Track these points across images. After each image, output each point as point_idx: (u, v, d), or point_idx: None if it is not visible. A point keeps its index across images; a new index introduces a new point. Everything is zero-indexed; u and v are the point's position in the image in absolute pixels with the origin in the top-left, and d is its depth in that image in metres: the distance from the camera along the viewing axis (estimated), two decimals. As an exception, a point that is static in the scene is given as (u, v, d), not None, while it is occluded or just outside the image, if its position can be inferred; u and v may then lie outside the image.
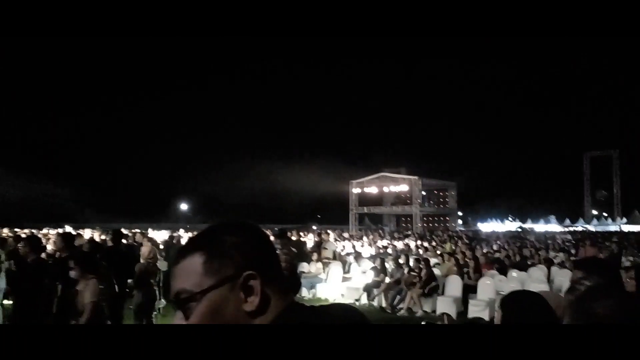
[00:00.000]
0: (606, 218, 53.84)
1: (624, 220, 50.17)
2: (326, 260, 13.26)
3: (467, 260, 11.50)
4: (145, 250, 9.63)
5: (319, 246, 14.48)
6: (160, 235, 19.43)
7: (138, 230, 18.65)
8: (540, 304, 1.95)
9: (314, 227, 31.81)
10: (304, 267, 12.45)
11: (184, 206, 62.88)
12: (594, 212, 56.97)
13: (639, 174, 55.12)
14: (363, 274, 11.98)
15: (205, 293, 0.88)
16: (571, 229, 44.05)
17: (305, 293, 11.56)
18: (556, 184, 66.72)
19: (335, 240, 19.17)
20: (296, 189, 55.61)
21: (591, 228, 45.61)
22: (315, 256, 12.99)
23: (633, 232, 32.90)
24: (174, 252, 9.23)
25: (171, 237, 15.72)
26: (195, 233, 1.36)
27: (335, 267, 12.38)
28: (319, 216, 57.75)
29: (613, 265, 2.81)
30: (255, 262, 0.91)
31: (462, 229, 46.80)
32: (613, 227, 45.99)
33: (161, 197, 62.79)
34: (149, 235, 15.55)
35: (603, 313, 1.44)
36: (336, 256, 14.36)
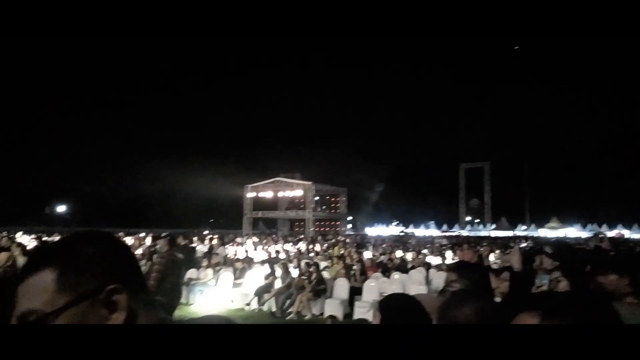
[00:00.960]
0: (478, 224, 59.40)
1: (493, 226, 55.79)
2: (217, 267, 12.93)
3: (355, 263, 11.92)
4: (2, 256, 8.56)
5: (209, 252, 14.07)
6: (29, 240, 17.47)
7: (5, 234, 16.59)
8: (414, 306, 2.05)
9: (205, 232, 30.88)
10: (193, 273, 12.02)
11: (60, 208, 57.43)
12: (468, 218, 62.49)
13: (506, 184, 61.68)
14: (254, 279, 11.87)
15: (60, 312, 0.78)
16: (448, 233, 47.79)
17: (193, 300, 11.16)
18: (436, 192, 72.05)
19: (227, 245, 18.78)
20: (188, 191, 53.74)
21: (465, 233, 49.96)
22: (205, 262, 12.60)
23: (500, 237, 36.74)
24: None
25: (43, 243, 14.22)
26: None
27: (226, 273, 12.12)
28: (211, 220, 56.30)
29: (483, 269, 3.03)
30: (118, 274, 0.83)
31: (351, 233, 48.61)
32: (484, 232, 50.84)
33: (34, 197, 56.75)
34: (18, 240, 13.90)
35: (461, 318, 1.55)
36: (227, 262, 14.06)
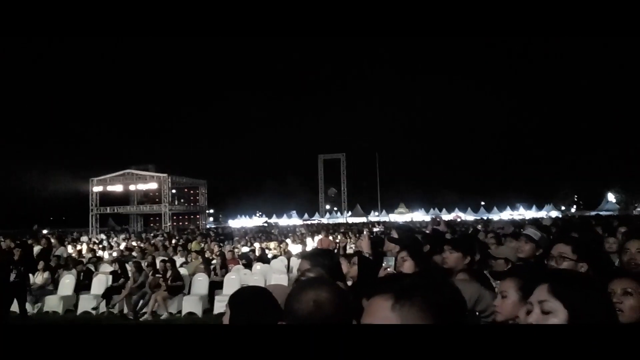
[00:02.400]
0: (336, 212, 62.45)
1: (349, 213, 59.12)
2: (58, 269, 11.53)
3: (215, 256, 11.57)
4: None
5: (45, 253, 12.47)
6: None
7: None
8: (265, 298, 1.99)
9: (45, 232, 27.52)
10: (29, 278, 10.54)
11: None
12: (327, 206, 65.32)
13: (360, 174, 65.73)
14: (102, 279, 10.86)
15: None
16: (309, 222, 49.37)
17: (30, 308, 9.78)
18: (297, 182, 73.95)
19: (70, 244, 16.92)
20: (21, 185, 47.35)
21: (325, 221, 52.11)
22: (41, 265, 11.14)
23: (355, 223, 39.08)
24: None
25: None
26: None
27: (68, 276, 10.88)
28: (51, 218, 50.42)
29: (334, 255, 3.03)
30: None
31: (213, 226, 47.51)
32: (341, 220, 53.56)
33: None
34: None
35: (301, 308, 1.48)
36: (69, 263, 12.62)
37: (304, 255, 3.02)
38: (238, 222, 54.88)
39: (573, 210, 55.64)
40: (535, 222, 12.69)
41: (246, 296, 2.02)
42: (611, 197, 54.19)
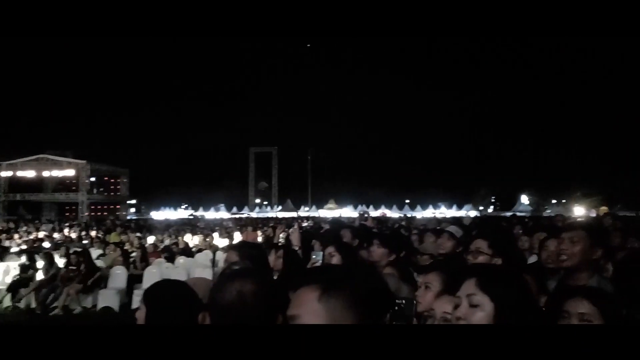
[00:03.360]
0: (266, 206, 62.13)
1: (280, 207, 59.04)
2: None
3: (135, 249, 11.08)
4: None
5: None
6: None
7: None
8: (184, 293, 1.90)
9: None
10: None
11: None
12: (257, 200, 64.82)
13: (291, 168, 65.84)
14: (7, 272, 10.05)
15: None
16: (237, 215, 48.73)
17: None
18: (227, 175, 72.70)
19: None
20: None
21: (254, 215, 51.68)
22: None
23: (285, 218, 39.12)
24: None
25: None
26: None
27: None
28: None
29: (261, 247, 2.99)
30: None
31: (135, 217, 45.53)
32: (271, 214, 53.37)
33: None
34: None
35: (225, 300, 1.45)
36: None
37: (231, 247, 2.96)
38: (162, 214, 52.99)
39: (490, 210, 59.23)
40: (456, 220, 13.32)
41: (162, 290, 1.91)
42: (525, 199, 58.40)
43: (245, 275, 1.55)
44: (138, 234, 15.88)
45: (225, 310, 1.43)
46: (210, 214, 52.35)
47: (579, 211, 37.95)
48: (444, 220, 14.95)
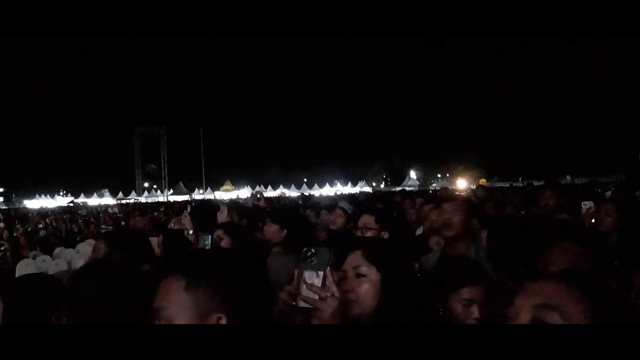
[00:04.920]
0: (156, 190, 59.20)
1: (171, 191, 56.66)
2: None
3: (4, 242, 9.92)
4: None
5: None
6: None
7: None
8: (51, 288, 1.73)
9: None
10: None
11: None
12: (146, 184, 61.49)
13: (182, 149, 63.29)
14: None
15: None
16: (124, 201, 45.91)
17: None
18: (109, 157, 67.98)
19: None
20: None
21: (142, 200, 49.07)
22: None
23: (178, 201, 37.60)
24: None
25: None
26: None
27: None
28: None
29: (139, 235, 2.78)
30: None
31: (4, 207, 40.98)
32: (161, 198, 51.09)
33: None
34: None
35: (82, 298, 1.35)
36: None
37: (100, 236, 2.70)
38: (36, 203, 48.23)
39: (382, 186, 62.40)
40: (350, 197, 13.78)
41: (22, 286, 1.79)
42: (413, 174, 62.41)
43: (103, 268, 1.40)
44: (7, 225, 14.32)
45: (82, 307, 1.29)
46: (94, 200, 48.77)
47: (461, 184, 41.41)
48: (341, 197, 15.44)
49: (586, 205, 3.66)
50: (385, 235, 2.63)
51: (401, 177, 62.33)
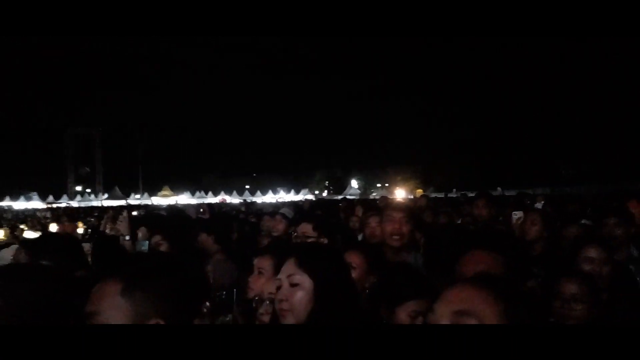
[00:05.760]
0: (89, 194, 56.37)
1: (106, 195, 54.13)
2: None
3: None
4: None
5: None
6: None
7: None
8: None
9: None
10: None
11: None
12: (78, 188, 58.46)
13: (118, 151, 60.81)
14: None
15: None
16: (55, 205, 43.36)
17: None
18: (38, 159, 64.07)
19: None
20: None
21: (75, 204, 46.55)
22: None
23: (113, 206, 35.96)
24: None
25: None
26: None
27: None
28: None
29: (73, 241, 2.65)
30: None
31: None
32: (96, 203, 48.66)
33: None
34: None
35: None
36: None
37: (22, 244, 2.53)
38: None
39: (324, 194, 62.85)
40: (293, 204, 13.82)
41: None
42: (354, 183, 63.43)
43: (18, 275, 1.35)
44: None
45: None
46: (20, 204, 45.70)
47: (399, 194, 42.50)
48: (283, 204, 15.38)
49: (516, 215, 3.89)
50: (325, 242, 2.64)
51: (343, 186, 63.15)
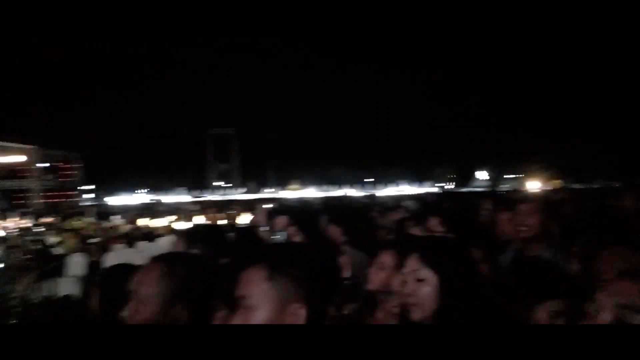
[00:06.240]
0: (228, 188, 61.42)
1: (243, 189, 58.56)
2: None
3: (93, 235, 10.79)
4: None
5: None
6: None
7: None
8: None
9: None
10: None
11: None
12: (219, 183, 63.96)
13: (252, 150, 65.26)
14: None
15: None
16: (199, 199, 47.95)
17: None
18: (185, 157, 71.21)
19: None
20: None
21: (216, 197, 51.00)
22: None
23: (249, 200, 38.77)
24: None
25: None
26: None
27: None
28: None
29: (218, 231, 2.96)
30: None
31: (91, 203, 44.19)
32: (233, 196, 52.82)
33: None
34: None
35: (144, 290, 1.43)
36: None
37: (181, 233, 2.85)
38: (119, 199, 51.58)
39: (450, 186, 60.71)
40: (416, 197, 13.63)
41: (116, 274, 1.88)
42: (482, 174, 60.21)
43: (171, 258, 1.52)
44: (90, 219, 15.50)
45: (147, 297, 1.40)
46: (171, 198, 51.37)
47: (533, 185, 39.39)
48: (406, 197, 15.22)
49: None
50: (451, 237, 2.58)
51: (469, 178, 60.31)
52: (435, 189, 48.19)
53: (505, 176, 60.89)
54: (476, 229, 3.96)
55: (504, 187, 48.60)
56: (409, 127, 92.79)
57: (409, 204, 3.74)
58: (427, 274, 1.49)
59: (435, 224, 2.67)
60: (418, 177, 60.66)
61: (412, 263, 1.54)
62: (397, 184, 58.27)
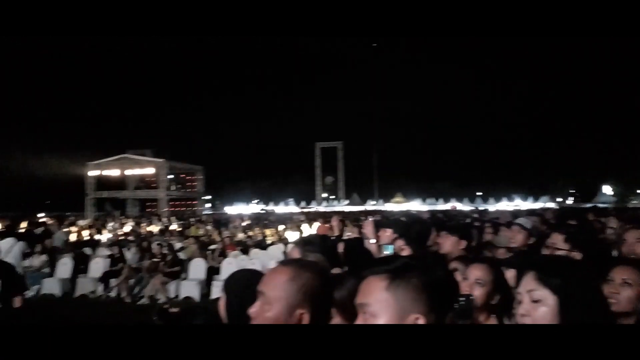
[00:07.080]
0: (333, 200, 62.54)
1: (347, 201, 59.26)
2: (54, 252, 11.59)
3: (212, 241, 11.64)
4: None
5: (43, 236, 12.52)
6: None
7: None
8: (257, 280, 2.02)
9: (41, 215, 27.50)
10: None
11: None
12: (324, 195, 65.38)
13: (357, 163, 65.81)
14: (99, 263, 10.93)
15: None
16: (306, 210, 49.39)
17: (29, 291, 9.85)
18: (294, 170, 73.87)
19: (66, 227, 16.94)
20: (18, 169, 47.40)
21: (322, 209, 52.17)
22: (39, 247, 11.19)
23: (353, 212, 39.24)
24: None
25: None
26: None
27: (64, 259, 10.95)
28: (47, 202, 50.38)
29: (330, 241, 3.07)
30: None
31: (210, 212, 47.56)
32: (338, 208, 53.62)
33: None
34: None
35: (270, 292, 1.50)
36: (67, 246, 12.68)
37: (297, 242, 2.99)
38: (235, 209, 54.91)
39: (569, 202, 55.87)
40: (532, 213, 12.79)
41: (240, 279, 2.00)
42: (607, 189, 54.43)
43: (297, 265, 1.58)
44: (209, 227, 16.66)
45: (273, 299, 1.47)
46: (280, 208, 53.49)
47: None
48: (520, 212, 14.32)
49: None
50: (577, 256, 2.45)
51: (592, 192, 54.90)
52: (553, 204, 44.63)
53: (635, 191, 54.39)
54: (601, 249, 3.68)
55: (634, 202, 43.59)
56: (522, 136, 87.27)
57: (523, 220, 3.56)
58: (544, 294, 1.43)
59: (556, 242, 2.54)
60: (533, 191, 56.55)
61: (528, 282, 1.48)
62: (511, 199, 54.83)
